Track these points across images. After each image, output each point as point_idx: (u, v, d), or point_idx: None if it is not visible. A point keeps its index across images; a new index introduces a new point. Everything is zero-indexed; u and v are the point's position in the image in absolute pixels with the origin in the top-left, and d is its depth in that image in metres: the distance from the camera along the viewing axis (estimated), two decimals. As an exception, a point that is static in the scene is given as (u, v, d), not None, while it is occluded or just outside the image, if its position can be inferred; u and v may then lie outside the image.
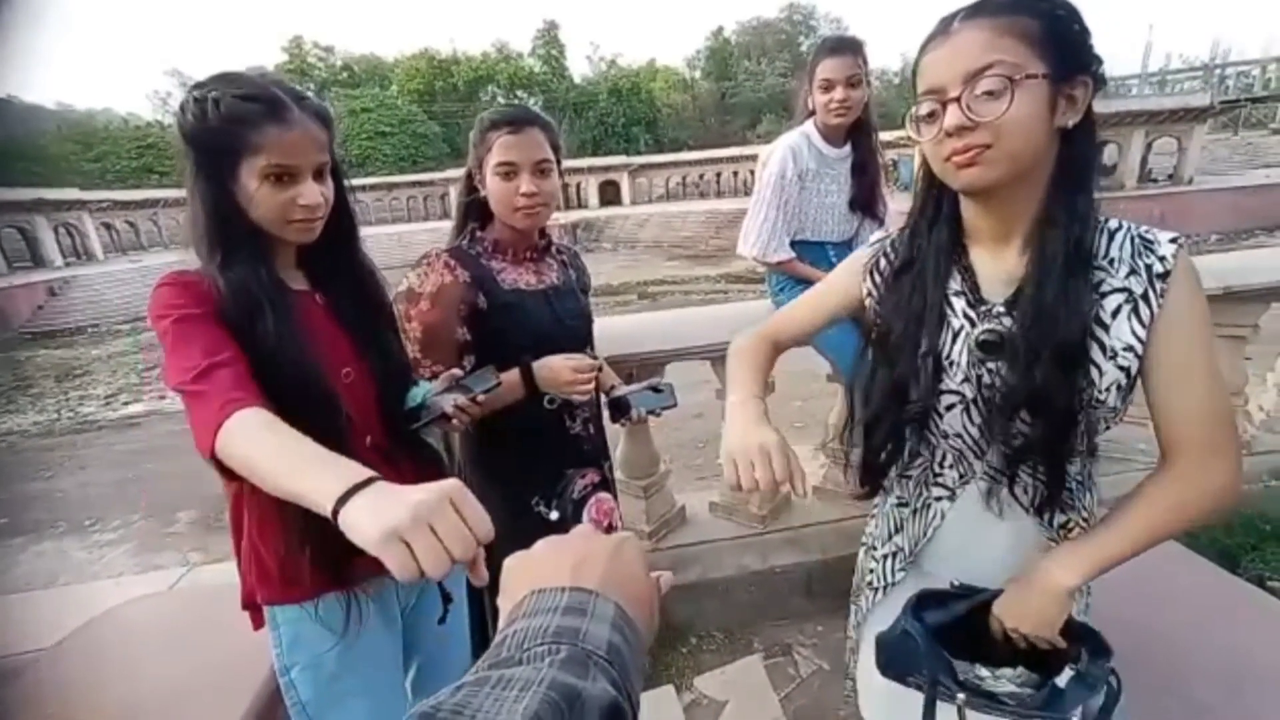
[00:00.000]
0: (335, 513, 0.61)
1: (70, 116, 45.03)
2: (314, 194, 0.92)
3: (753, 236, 2.09)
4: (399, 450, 1.07)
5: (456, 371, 1.12)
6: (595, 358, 1.36)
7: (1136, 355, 0.79)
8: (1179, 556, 1.60)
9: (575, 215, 28.84)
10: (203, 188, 0.88)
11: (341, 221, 1.03)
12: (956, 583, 0.93)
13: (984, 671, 0.88)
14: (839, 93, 1.86)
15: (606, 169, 34.85)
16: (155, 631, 1.57)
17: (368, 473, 0.64)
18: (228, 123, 0.85)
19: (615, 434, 1.55)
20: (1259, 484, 2.42)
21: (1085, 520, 0.91)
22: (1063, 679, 0.83)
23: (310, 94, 0.94)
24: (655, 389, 1.33)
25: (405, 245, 22.00)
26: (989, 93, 0.71)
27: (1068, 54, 0.72)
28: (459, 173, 1.38)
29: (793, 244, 2.06)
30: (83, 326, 17.39)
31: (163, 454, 6.77)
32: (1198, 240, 17.21)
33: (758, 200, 2.07)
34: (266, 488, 0.72)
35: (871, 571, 1.07)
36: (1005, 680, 0.87)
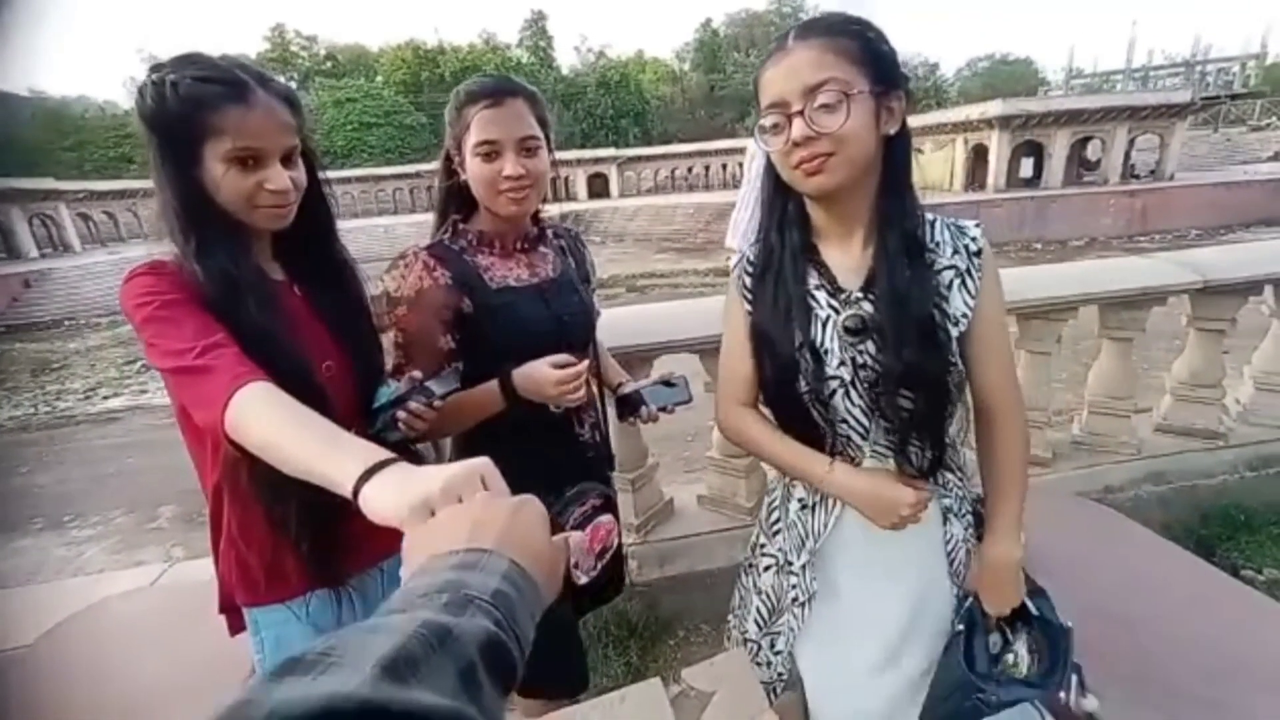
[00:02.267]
0: (357, 490, 0.60)
1: (45, 104, 43.77)
2: (282, 178, 0.89)
3: (741, 230, 2.09)
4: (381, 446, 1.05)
5: (418, 374, 1.05)
6: (588, 357, 1.26)
7: (967, 321, 0.93)
8: (1157, 547, 1.63)
9: (564, 207, 28.66)
10: (169, 174, 0.85)
11: (317, 211, 1.00)
12: (961, 626, 1.02)
13: (1010, 658, 0.99)
14: None
15: (595, 161, 34.67)
16: (135, 628, 1.55)
17: (389, 453, 0.64)
18: (187, 105, 0.82)
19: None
20: (1235, 475, 2.47)
21: (960, 478, 1.05)
22: (1036, 612, 1.01)
23: (276, 76, 0.91)
24: (668, 383, 1.26)
25: (392, 238, 21.75)
26: (826, 106, 0.81)
27: (883, 71, 0.84)
28: (446, 163, 1.23)
29: (781, 237, 2.07)
30: (59, 320, 17.05)
31: (144, 449, 6.68)
32: (1179, 235, 17.48)
33: (745, 194, 2.08)
34: (278, 462, 0.70)
35: (794, 587, 1.09)
36: (1023, 651, 1.01)
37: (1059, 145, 20.39)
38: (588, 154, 35.55)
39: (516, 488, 0.58)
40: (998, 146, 20.62)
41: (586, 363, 1.14)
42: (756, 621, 1.19)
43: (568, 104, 45.67)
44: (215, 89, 0.82)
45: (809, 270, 0.97)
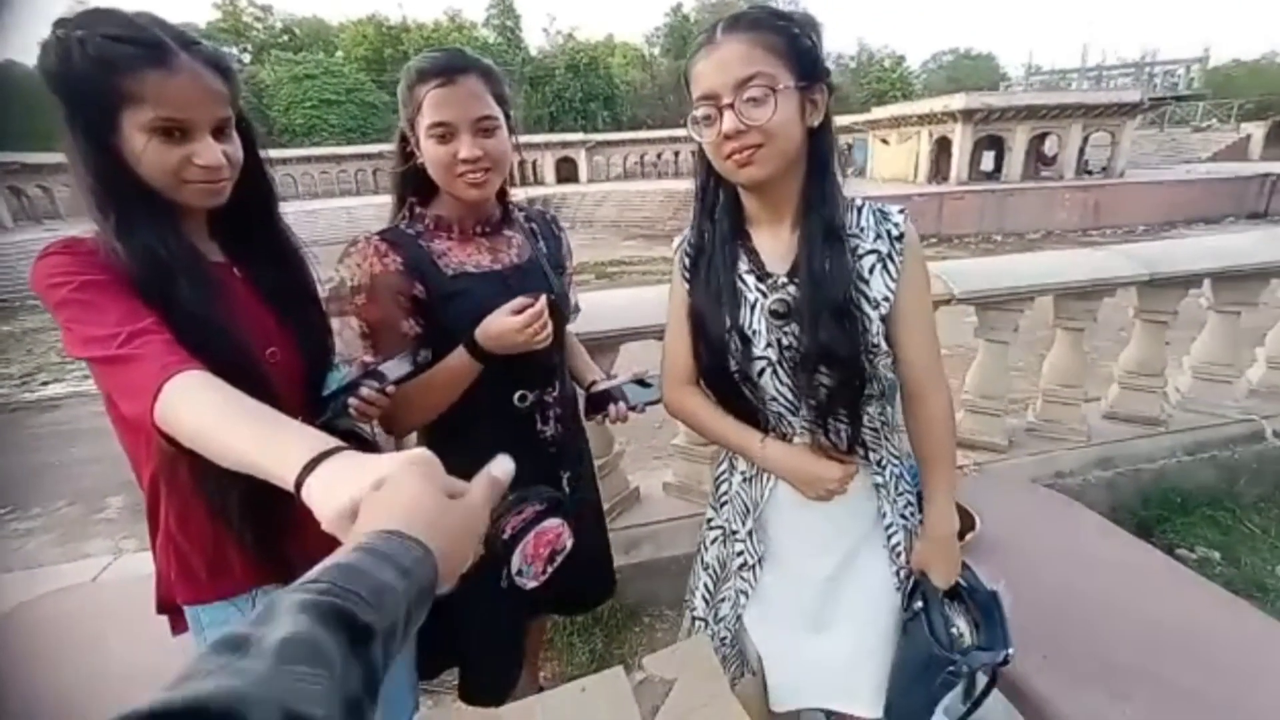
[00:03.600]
0: (299, 483, 0.56)
1: (-29, 69, 40.87)
2: (214, 153, 0.81)
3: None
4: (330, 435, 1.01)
5: (369, 358, 0.99)
6: (560, 348, 1.22)
7: (890, 303, 0.96)
8: (1104, 530, 1.70)
9: (532, 192, 28.20)
10: (79, 144, 0.77)
11: (258, 187, 0.94)
12: (920, 605, 1.08)
13: (955, 631, 1.04)
14: None
15: (563, 145, 34.14)
16: (72, 627, 1.47)
17: (334, 441, 0.60)
18: (98, 68, 0.74)
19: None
20: (1173, 460, 2.60)
21: (895, 457, 1.10)
22: (965, 584, 1.07)
23: (204, 40, 0.83)
24: (642, 382, 1.23)
25: (354, 220, 21.09)
26: (754, 99, 0.84)
27: (807, 65, 0.87)
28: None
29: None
30: (-9, 301, 16.05)
31: (89, 437, 6.34)
32: (1128, 230, 18.22)
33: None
34: (214, 454, 0.66)
35: (740, 554, 1.14)
36: (963, 623, 1.06)
37: (1019, 140, 20.95)
38: (556, 138, 34.97)
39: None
40: (961, 139, 21.06)
41: (544, 297, 1.09)
42: (704, 597, 1.22)
43: (536, 86, 44.82)
44: (129, 50, 0.74)
45: (740, 256, 1.00)
